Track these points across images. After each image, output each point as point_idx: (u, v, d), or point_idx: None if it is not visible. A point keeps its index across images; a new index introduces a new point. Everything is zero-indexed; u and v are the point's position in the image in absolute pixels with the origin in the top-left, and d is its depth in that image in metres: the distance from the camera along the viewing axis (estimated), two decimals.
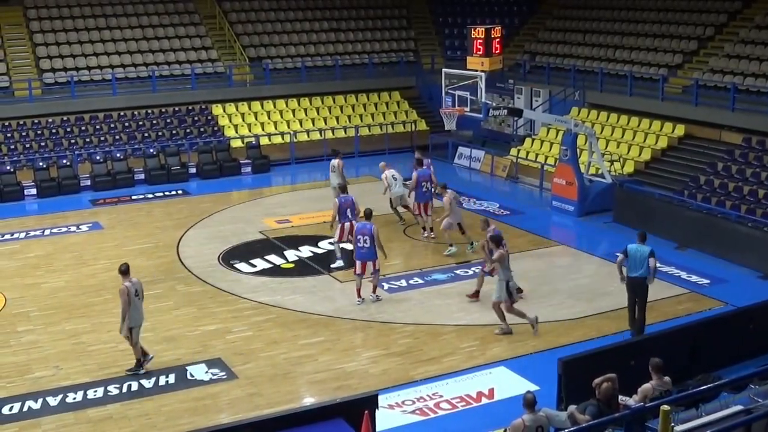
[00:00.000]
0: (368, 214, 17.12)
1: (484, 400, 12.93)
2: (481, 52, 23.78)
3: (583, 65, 29.91)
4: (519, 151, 28.33)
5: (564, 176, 22.97)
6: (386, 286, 17.59)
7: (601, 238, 21.29)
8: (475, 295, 16.73)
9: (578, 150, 23.52)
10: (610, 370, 11.11)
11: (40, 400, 12.97)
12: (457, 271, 18.43)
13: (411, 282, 17.83)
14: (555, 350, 14.18)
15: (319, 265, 19.04)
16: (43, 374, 13.85)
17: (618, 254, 15.17)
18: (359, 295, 16.69)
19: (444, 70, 24.39)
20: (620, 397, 10.83)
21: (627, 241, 20.30)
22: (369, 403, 10.89)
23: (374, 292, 16.83)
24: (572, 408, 10.60)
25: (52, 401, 12.97)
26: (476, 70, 23.37)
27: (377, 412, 11.02)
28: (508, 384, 13.33)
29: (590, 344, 14.19)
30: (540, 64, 31.64)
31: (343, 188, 19.31)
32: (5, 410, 12.71)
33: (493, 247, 15.44)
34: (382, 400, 12.04)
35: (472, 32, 24.08)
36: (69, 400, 13.02)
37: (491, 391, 13.18)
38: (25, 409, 12.77)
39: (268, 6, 35.32)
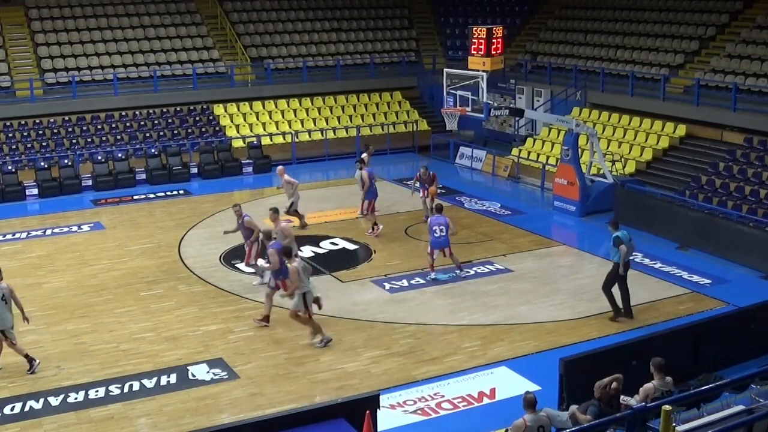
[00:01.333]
0: (440, 209, 18.35)
1: (486, 400, 12.93)
2: (482, 52, 23.81)
3: (584, 65, 29.91)
4: (520, 151, 28.33)
5: (565, 176, 22.96)
6: (387, 286, 17.60)
7: (602, 238, 21.16)
8: (265, 320, 15.65)
9: (580, 150, 23.53)
10: (612, 370, 11.13)
11: (41, 400, 12.97)
12: (459, 272, 18.40)
13: (412, 282, 17.82)
14: (556, 350, 14.17)
15: (321, 264, 19.04)
16: (45, 374, 13.85)
17: (622, 246, 15.64)
18: (433, 269, 17.94)
19: (445, 70, 24.40)
20: (622, 396, 10.84)
21: None
22: (370, 403, 10.90)
23: (459, 268, 18.09)
24: (573, 408, 10.60)
25: (54, 401, 12.97)
26: (478, 70, 23.39)
27: (379, 412, 11.03)
28: (510, 384, 13.32)
29: (592, 344, 14.20)
30: (541, 64, 31.63)
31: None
32: (7, 410, 12.72)
33: (286, 259, 14.87)
34: (384, 400, 12.04)
35: (474, 32, 24.10)
36: (70, 400, 13.02)
37: (493, 391, 13.17)
38: (27, 409, 12.77)
39: (269, 6, 35.33)
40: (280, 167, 22.32)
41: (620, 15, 31.60)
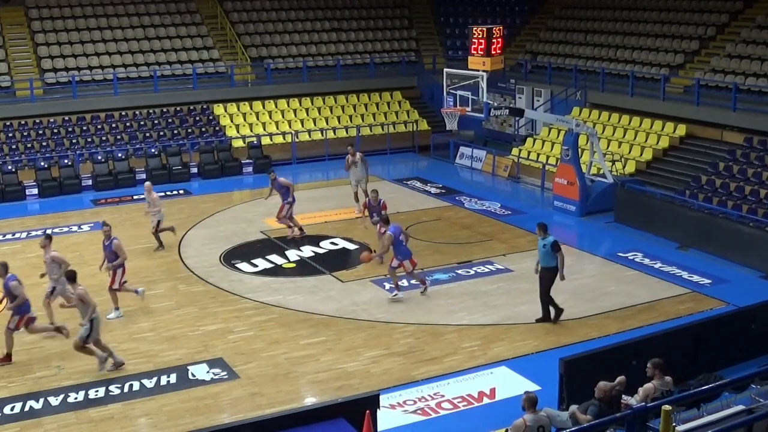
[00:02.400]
0: (387, 220, 17.70)
1: (486, 400, 12.93)
2: (482, 52, 23.80)
3: (584, 65, 29.90)
4: (520, 151, 28.32)
5: (565, 176, 22.95)
6: (387, 286, 17.59)
7: (602, 238, 21.29)
8: (7, 359, 14.30)
9: (580, 150, 23.53)
10: (612, 370, 11.13)
11: (41, 400, 12.98)
12: (459, 271, 18.40)
13: (412, 282, 17.78)
14: (556, 350, 14.18)
15: (321, 264, 19.04)
16: (45, 374, 13.86)
17: (561, 252, 15.56)
18: (398, 287, 17.03)
19: (445, 69, 24.39)
20: (622, 396, 10.84)
21: (628, 240, 20.48)
22: (370, 402, 10.90)
23: (423, 283, 17.19)
24: (574, 408, 10.60)
25: (54, 401, 12.97)
26: (478, 70, 23.38)
27: (379, 412, 11.02)
28: (510, 384, 13.32)
29: (592, 344, 14.19)
30: (541, 63, 31.63)
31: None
32: (7, 410, 12.72)
33: (71, 287, 14.18)
34: (384, 399, 12.04)
35: (474, 32, 24.09)
36: (70, 399, 13.03)
37: (493, 390, 13.17)
38: (27, 408, 12.77)
39: (269, 6, 35.32)
40: (147, 183, 20.61)
41: (620, 15, 31.59)
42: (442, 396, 12.99)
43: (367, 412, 10.40)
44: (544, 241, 15.54)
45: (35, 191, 25.77)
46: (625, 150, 25.76)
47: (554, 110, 28.53)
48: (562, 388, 11.98)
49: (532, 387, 12.57)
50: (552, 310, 15.68)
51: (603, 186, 22.88)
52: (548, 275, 15.50)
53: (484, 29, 23.90)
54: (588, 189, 22.79)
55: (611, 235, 21.31)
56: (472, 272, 18.38)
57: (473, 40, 24.13)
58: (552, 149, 27.34)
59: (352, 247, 20.34)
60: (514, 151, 28.49)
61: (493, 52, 23.91)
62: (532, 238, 20.91)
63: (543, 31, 33.97)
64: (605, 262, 19.13)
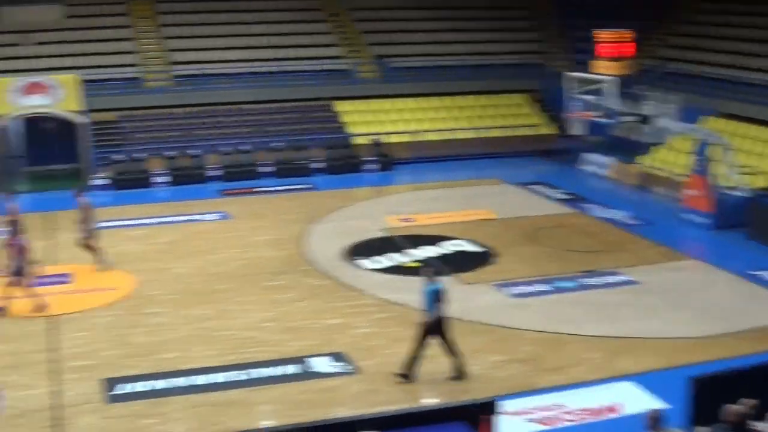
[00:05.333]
0: None
1: (609, 415, 12.52)
2: (609, 56, 23.26)
3: (717, 72, 28.74)
4: (649, 159, 27.47)
5: (697, 187, 22.13)
6: (512, 290, 17.31)
7: (735, 253, 20.34)
8: None
9: (712, 161, 22.63)
10: (746, 393, 10.60)
11: (166, 381, 13.28)
12: (583, 280, 17.92)
13: (539, 289, 17.38)
14: (685, 368, 13.59)
15: (445, 265, 18.86)
16: (170, 356, 14.20)
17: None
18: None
19: (571, 73, 23.92)
20: (753, 423, 10.29)
21: (763, 258, 19.52)
22: (490, 408, 10.67)
23: None
24: (701, 430, 10.15)
25: (178, 382, 13.25)
26: (604, 75, 22.85)
27: (499, 419, 10.80)
28: (634, 400, 12.84)
29: (722, 364, 13.56)
30: (672, 70, 30.60)
31: None
32: (132, 387, 13.09)
33: None
34: (504, 406, 11.81)
35: (601, 35, 23.56)
36: (194, 382, 13.28)
37: (616, 405, 12.74)
38: (153, 387, 13.10)
39: (393, 4, 35.38)
40: None
41: (755, 21, 30.17)
42: (565, 407, 12.66)
43: (487, 417, 10.21)
44: (437, 287, 13.40)
45: (165, 179, 26.60)
46: (760, 163, 24.63)
47: (684, 119, 27.52)
48: (691, 408, 11.49)
49: (658, 404, 12.10)
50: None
51: (736, 199, 21.94)
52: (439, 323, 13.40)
53: (612, 33, 23.37)
54: (720, 202, 21.89)
55: (744, 250, 20.36)
56: (598, 282, 17.88)
57: (600, 44, 23.60)
58: (682, 159, 26.39)
59: (473, 249, 20.10)
60: (642, 159, 27.68)
61: (620, 57, 23.31)
62: (661, 249, 20.29)
63: (674, 36, 32.88)
64: (737, 279, 18.29)
